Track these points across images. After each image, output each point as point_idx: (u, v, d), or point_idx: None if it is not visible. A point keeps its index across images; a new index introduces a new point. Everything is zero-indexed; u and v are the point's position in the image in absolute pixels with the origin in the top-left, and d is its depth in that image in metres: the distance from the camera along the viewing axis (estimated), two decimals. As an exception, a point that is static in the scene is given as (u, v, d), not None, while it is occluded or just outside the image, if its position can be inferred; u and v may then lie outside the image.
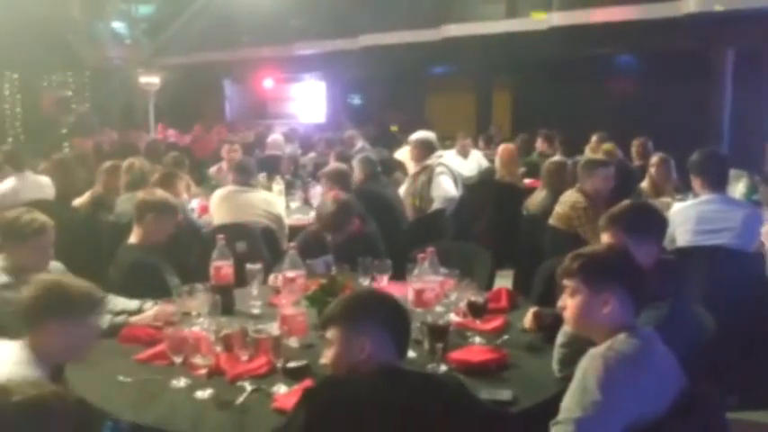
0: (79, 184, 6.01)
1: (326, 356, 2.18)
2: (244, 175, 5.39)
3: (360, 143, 9.08)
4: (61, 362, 2.41)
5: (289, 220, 5.58)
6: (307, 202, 6.48)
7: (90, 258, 3.69)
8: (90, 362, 2.69)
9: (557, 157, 6.71)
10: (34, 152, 8.71)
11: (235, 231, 4.62)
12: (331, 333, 2.16)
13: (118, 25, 16.92)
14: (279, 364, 2.55)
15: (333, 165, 5.58)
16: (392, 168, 7.03)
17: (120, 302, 3.29)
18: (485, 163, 8.50)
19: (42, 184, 6.09)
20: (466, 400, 2.09)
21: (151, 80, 14.53)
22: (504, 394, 2.36)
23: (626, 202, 3.17)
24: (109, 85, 15.70)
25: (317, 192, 6.49)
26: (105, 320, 3.02)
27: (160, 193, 4.05)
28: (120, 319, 3.07)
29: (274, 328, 2.68)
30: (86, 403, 2.22)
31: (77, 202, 5.68)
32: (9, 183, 6.00)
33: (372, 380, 2.03)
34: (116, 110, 15.98)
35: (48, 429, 1.72)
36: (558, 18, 11.57)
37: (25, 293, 2.37)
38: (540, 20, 11.68)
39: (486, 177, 7.78)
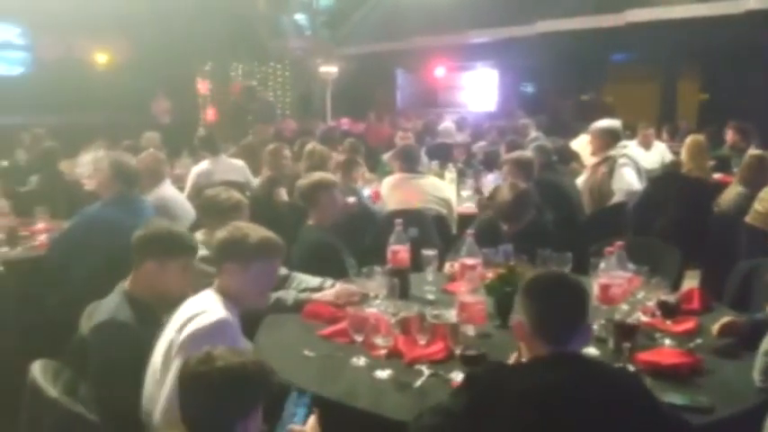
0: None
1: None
2: (409, 162, 5.42)
3: (533, 132, 8.85)
4: (243, 304, 2.52)
5: (459, 209, 5.56)
6: (478, 190, 6.43)
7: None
8: (278, 335, 2.84)
9: (755, 151, 6.13)
10: (225, 138, 9.34)
11: (407, 217, 4.67)
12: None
13: (299, 17, 17.70)
14: (457, 351, 2.53)
15: (517, 152, 5.43)
16: (568, 158, 6.78)
17: (303, 279, 3.44)
18: (669, 155, 8.00)
19: (236, 167, 6.48)
20: (643, 398, 1.95)
21: (330, 69, 15.07)
22: (703, 401, 2.18)
23: None
24: (291, 74, 16.51)
25: (489, 180, 6.42)
26: (290, 296, 3.19)
27: (321, 174, 4.18)
28: (305, 295, 3.21)
29: (452, 315, 2.67)
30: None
31: (255, 183, 6.02)
32: (204, 165, 6.45)
33: (539, 367, 1.96)
34: (296, 98, 16.78)
35: (245, 395, 1.82)
36: (755, 1, 10.58)
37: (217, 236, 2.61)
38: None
39: (670, 171, 7.28)
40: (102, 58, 15.53)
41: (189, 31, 14.28)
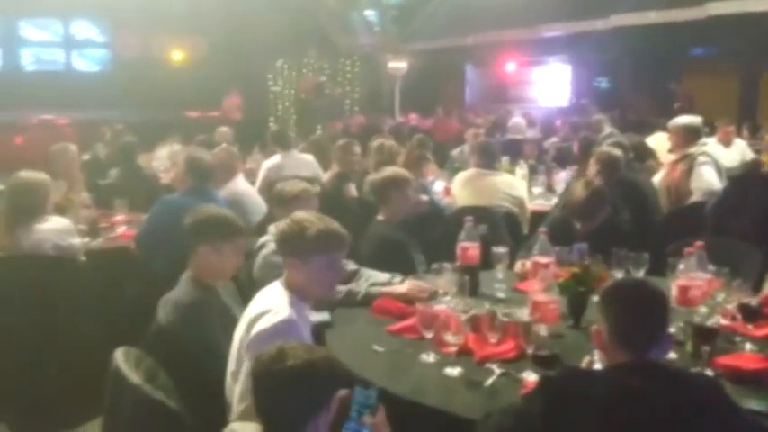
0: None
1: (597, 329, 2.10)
2: (487, 158, 5.37)
3: (607, 128, 8.63)
4: (311, 297, 2.54)
5: (531, 206, 5.48)
6: (550, 188, 6.32)
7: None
8: (347, 329, 2.86)
9: None
10: (296, 133, 9.47)
11: (477, 214, 4.62)
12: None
13: (369, 13, 17.78)
14: (529, 351, 2.49)
15: (605, 149, 5.28)
16: (645, 155, 6.58)
17: (371, 275, 3.45)
18: (749, 154, 7.69)
19: (306, 162, 6.57)
20: (722, 404, 1.89)
21: (399, 65, 15.10)
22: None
23: None
24: (360, 70, 16.61)
25: (561, 177, 6.31)
26: (361, 289, 3.21)
27: (395, 169, 4.17)
28: (375, 289, 3.22)
29: (524, 314, 2.63)
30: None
31: (324, 178, 6.08)
32: (275, 160, 6.55)
33: (619, 374, 1.91)
34: (364, 94, 16.86)
35: (314, 391, 1.85)
36: None
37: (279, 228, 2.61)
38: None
39: (751, 170, 6.98)
40: (177, 56, 15.98)
41: (260, 29, 14.55)
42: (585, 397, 1.85)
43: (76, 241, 4.01)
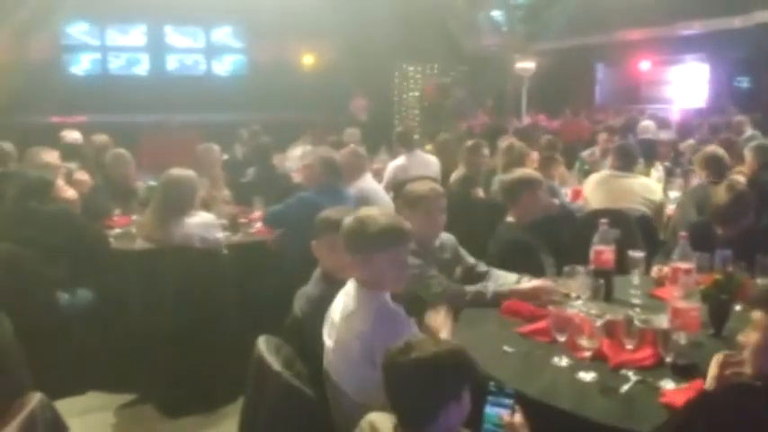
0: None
1: (747, 339, 2.00)
2: (623, 160, 5.20)
3: (749, 130, 8.13)
4: (384, 289, 2.50)
5: (667, 210, 5.26)
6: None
7: (464, 233, 3.94)
8: (477, 329, 2.88)
9: None
10: (421, 134, 9.56)
11: (611, 217, 4.50)
12: (760, 316, 1.97)
13: (495, 13, 17.62)
14: (668, 359, 2.41)
15: (709, 148, 5.05)
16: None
17: (500, 275, 3.45)
18: None
19: (429, 162, 6.64)
20: None
21: (527, 65, 14.88)
22: None
23: None
24: (485, 71, 16.50)
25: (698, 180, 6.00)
26: (489, 290, 3.21)
27: (526, 170, 4.12)
28: (504, 288, 3.21)
29: (662, 321, 2.55)
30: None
31: (451, 179, 6.10)
32: (400, 160, 6.67)
33: None
34: (489, 95, 16.74)
35: (440, 383, 1.88)
36: None
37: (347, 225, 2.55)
38: None
39: None
40: (308, 60, 16.51)
41: (386, 32, 14.77)
42: (746, 413, 1.77)
43: (220, 235, 4.26)
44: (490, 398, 1.99)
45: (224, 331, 4.03)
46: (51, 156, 5.23)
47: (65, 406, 2.20)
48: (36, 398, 2.09)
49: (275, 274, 4.26)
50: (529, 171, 4.12)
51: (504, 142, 6.18)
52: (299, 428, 2.30)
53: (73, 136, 7.36)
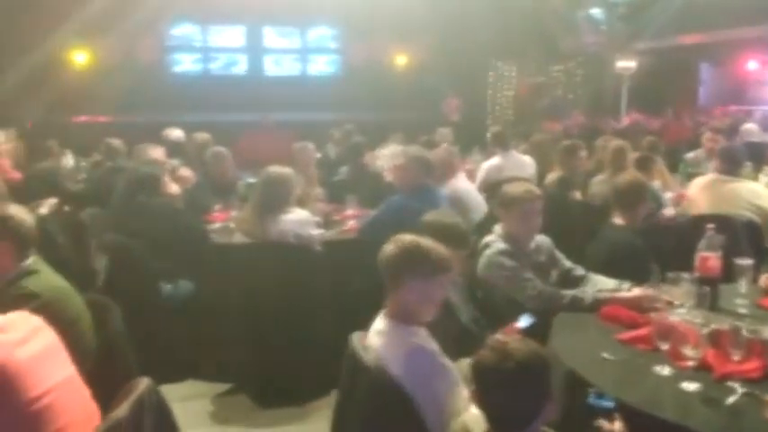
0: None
1: None
2: (729, 164, 4.95)
3: None
4: (413, 320, 2.47)
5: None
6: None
7: (559, 236, 3.85)
8: (575, 335, 2.81)
9: None
10: (515, 134, 9.42)
11: (715, 222, 4.29)
12: None
13: (595, 11, 17.16)
14: (777, 372, 2.29)
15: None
16: None
17: (598, 281, 3.36)
18: None
19: (524, 163, 6.54)
20: None
21: (628, 65, 14.42)
22: None
23: None
24: (582, 70, 16.11)
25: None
26: (588, 295, 3.13)
27: (638, 174, 3.99)
28: (603, 295, 3.12)
29: (773, 332, 2.42)
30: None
31: (547, 180, 5.97)
32: (494, 160, 6.59)
33: None
34: (586, 95, 16.32)
35: (542, 384, 1.87)
36: None
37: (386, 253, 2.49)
38: None
39: None
40: (401, 60, 16.58)
41: (480, 31, 14.67)
42: None
43: (315, 232, 4.34)
44: (590, 404, 1.94)
45: (317, 326, 4.10)
46: (158, 152, 5.48)
47: (164, 392, 2.29)
48: (144, 382, 2.19)
49: (367, 271, 4.29)
50: (639, 175, 4.02)
51: (607, 142, 6.00)
52: (392, 424, 2.31)
53: (176, 134, 7.68)
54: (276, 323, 4.07)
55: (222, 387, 4.32)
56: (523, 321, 2.84)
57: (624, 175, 4.00)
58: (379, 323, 2.50)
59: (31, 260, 2.79)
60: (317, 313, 4.12)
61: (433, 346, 2.43)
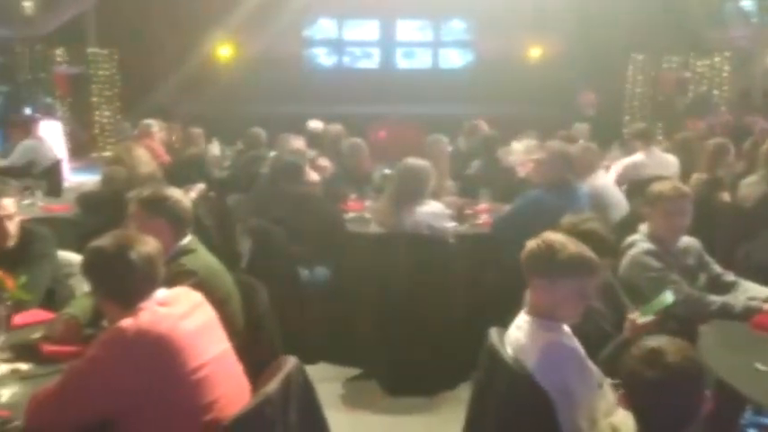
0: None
1: None
2: None
3: None
4: (556, 319, 2.41)
5: None
6: None
7: (706, 239, 3.63)
8: (725, 344, 2.68)
9: None
10: (655, 131, 9.01)
11: None
12: None
13: (745, 3, 16.07)
14: None
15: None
16: None
17: (750, 288, 3.21)
18: None
19: (668, 162, 6.24)
20: None
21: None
22: None
23: None
24: (729, 66, 15.13)
25: None
26: (739, 303, 2.98)
27: None
28: (756, 303, 2.96)
29: None
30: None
31: (692, 181, 5.65)
32: (636, 157, 6.33)
33: None
34: (733, 92, 15.33)
35: (697, 386, 1.82)
36: None
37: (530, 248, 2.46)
38: None
39: None
40: (535, 53, 16.25)
41: (617, 24, 14.12)
42: None
43: (448, 225, 4.36)
44: (747, 419, 1.85)
45: (448, 319, 4.13)
46: (299, 142, 5.69)
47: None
48: (291, 361, 2.30)
49: (501, 266, 4.27)
50: None
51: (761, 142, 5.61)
52: (528, 419, 2.30)
53: (315, 125, 7.93)
54: (407, 313, 4.12)
55: (353, 372, 4.44)
56: (669, 297, 2.71)
57: None
58: (520, 319, 2.49)
59: (188, 239, 2.92)
60: (448, 305, 4.15)
61: (574, 343, 2.40)
